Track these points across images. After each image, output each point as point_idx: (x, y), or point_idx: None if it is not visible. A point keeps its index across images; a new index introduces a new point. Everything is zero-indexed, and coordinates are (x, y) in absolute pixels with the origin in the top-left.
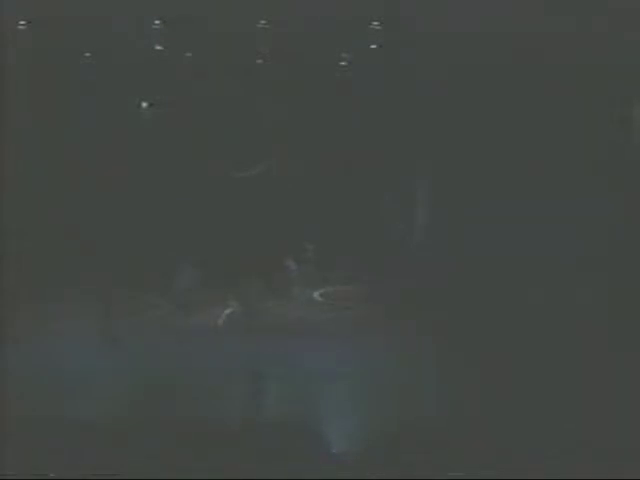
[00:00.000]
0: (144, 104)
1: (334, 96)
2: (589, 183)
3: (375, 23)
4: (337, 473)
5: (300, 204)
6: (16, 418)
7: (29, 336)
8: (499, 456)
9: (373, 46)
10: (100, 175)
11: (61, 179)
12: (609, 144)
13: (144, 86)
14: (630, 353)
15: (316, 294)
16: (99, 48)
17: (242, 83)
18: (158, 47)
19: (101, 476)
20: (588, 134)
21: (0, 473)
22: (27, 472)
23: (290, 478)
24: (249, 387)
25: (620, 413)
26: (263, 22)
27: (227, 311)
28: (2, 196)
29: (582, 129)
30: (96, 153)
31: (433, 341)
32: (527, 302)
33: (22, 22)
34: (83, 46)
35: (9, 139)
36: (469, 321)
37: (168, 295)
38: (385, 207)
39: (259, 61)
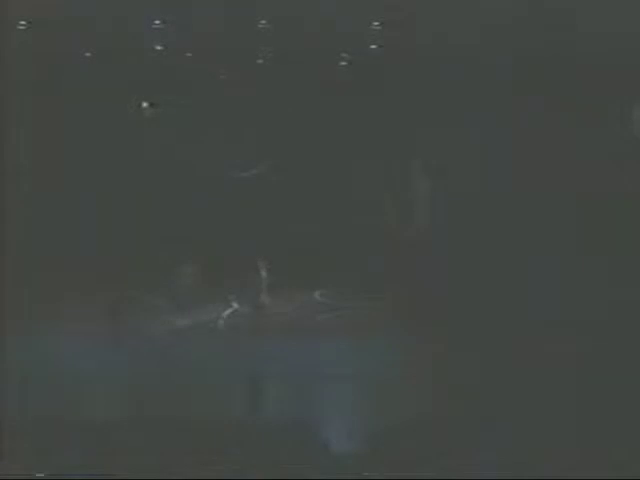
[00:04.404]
0: (144, 104)
1: (334, 96)
2: None
3: (375, 23)
4: (337, 473)
5: (300, 203)
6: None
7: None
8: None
9: (373, 46)
10: (100, 175)
11: (61, 179)
12: None
13: (144, 86)
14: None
15: (316, 294)
16: (99, 48)
17: (242, 83)
18: (158, 47)
19: (101, 476)
20: None
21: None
22: None
23: (290, 478)
24: (248, 387)
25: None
26: (263, 22)
27: (227, 311)
28: (3, 196)
29: None
30: (96, 153)
31: (434, 341)
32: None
33: (22, 22)
34: (83, 46)
35: (9, 139)
36: (470, 320)
37: (168, 295)
38: (385, 207)
39: (259, 61)
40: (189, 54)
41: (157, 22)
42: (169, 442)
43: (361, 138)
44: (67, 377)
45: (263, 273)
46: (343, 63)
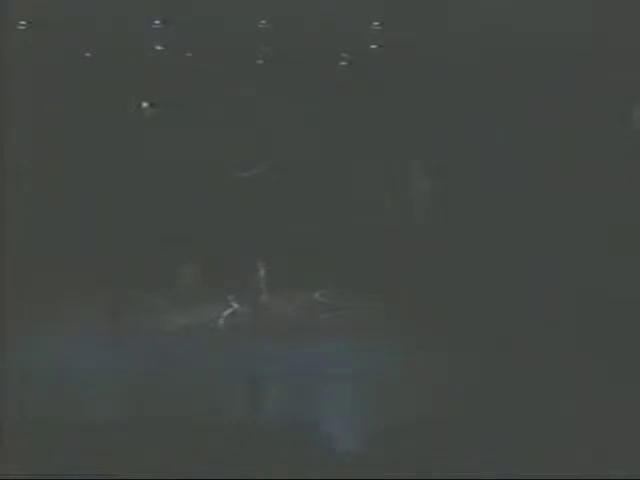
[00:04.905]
0: (144, 104)
1: (334, 96)
2: None
3: (375, 23)
4: (337, 473)
5: (300, 203)
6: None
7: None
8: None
9: (373, 46)
10: (100, 175)
11: (61, 179)
12: None
13: (144, 86)
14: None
15: (316, 294)
16: (99, 48)
17: (242, 83)
18: (158, 47)
19: (101, 476)
20: None
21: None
22: None
23: (290, 478)
24: (248, 387)
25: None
26: (263, 22)
27: (227, 311)
28: (3, 196)
29: None
30: (96, 153)
31: (433, 340)
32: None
33: (22, 22)
34: (83, 46)
35: (10, 140)
36: (469, 321)
37: (168, 295)
38: (385, 207)
39: (259, 61)
40: (189, 54)
41: (157, 22)
42: (169, 442)
43: (361, 138)
44: (67, 377)
45: (263, 273)
46: (343, 63)
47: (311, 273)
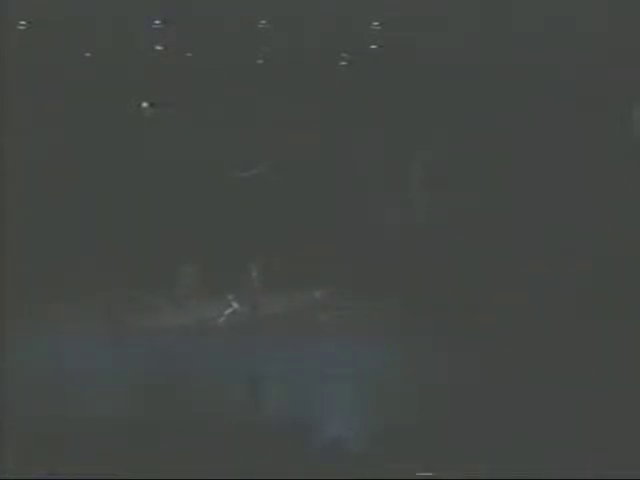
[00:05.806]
0: (144, 104)
1: (334, 96)
2: None
3: (375, 23)
4: (336, 473)
5: (300, 203)
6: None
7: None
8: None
9: (373, 46)
10: (100, 175)
11: (61, 179)
12: None
13: (144, 86)
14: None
15: (316, 294)
16: (99, 48)
17: (242, 83)
18: (158, 47)
19: (101, 476)
20: None
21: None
22: None
23: (290, 478)
24: (248, 387)
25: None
26: (263, 22)
27: (227, 311)
28: (3, 196)
29: None
30: (96, 153)
31: (433, 340)
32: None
33: (22, 22)
34: (83, 46)
35: (10, 139)
36: (470, 320)
37: (168, 295)
38: (384, 206)
39: (259, 61)
40: (189, 54)
41: (157, 22)
42: (168, 441)
43: (361, 138)
44: (67, 377)
45: (263, 273)
46: (343, 63)
47: (311, 273)
